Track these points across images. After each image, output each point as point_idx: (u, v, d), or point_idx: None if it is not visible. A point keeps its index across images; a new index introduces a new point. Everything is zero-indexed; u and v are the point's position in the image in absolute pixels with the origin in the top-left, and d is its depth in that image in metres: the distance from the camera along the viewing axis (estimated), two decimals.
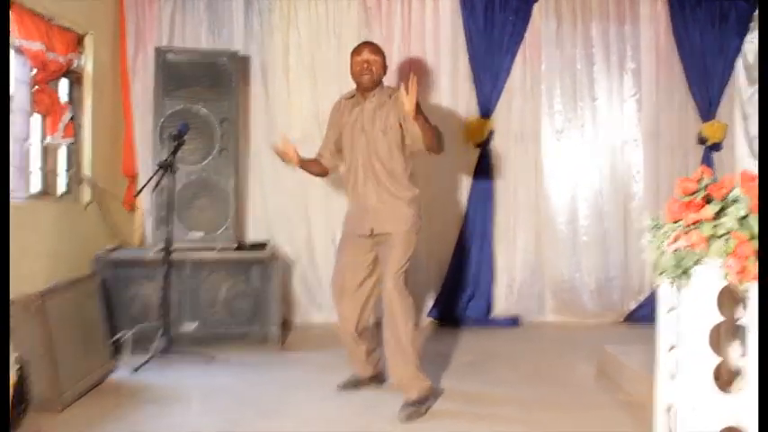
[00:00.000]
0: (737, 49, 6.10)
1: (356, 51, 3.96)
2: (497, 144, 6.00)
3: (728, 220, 2.60)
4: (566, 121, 6.08)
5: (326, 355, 4.80)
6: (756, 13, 6.10)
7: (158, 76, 4.98)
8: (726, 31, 6.06)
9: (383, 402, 3.82)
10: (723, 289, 2.70)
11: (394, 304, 3.76)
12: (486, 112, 5.90)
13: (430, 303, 6.01)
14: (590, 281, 6.12)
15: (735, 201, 2.63)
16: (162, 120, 4.95)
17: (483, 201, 5.96)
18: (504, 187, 6.06)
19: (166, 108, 4.97)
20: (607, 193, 6.11)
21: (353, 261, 3.96)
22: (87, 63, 5.12)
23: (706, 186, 2.66)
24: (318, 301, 5.90)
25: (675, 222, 2.70)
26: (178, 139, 4.61)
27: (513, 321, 5.99)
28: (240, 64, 5.40)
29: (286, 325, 5.80)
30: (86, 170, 5.15)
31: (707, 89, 6.08)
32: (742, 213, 2.58)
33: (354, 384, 4.13)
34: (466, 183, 5.99)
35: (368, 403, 3.88)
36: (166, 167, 4.52)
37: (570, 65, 6.06)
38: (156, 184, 4.49)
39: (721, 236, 2.61)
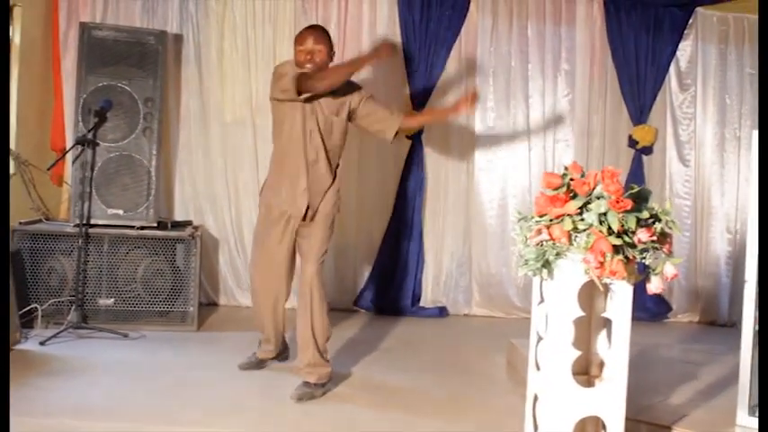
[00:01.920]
0: (671, 56, 6.20)
1: (299, 40, 3.89)
2: (429, 137, 6.04)
3: (590, 216, 2.67)
4: (498, 117, 6.13)
5: (242, 337, 4.83)
6: (691, 21, 6.23)
7: (82, 51, 4.97)
8: (659, 37, 6.14)
9: (284, 384, 3.85)
10: (591, 282, 2.78)
11: (314, 291, 3.80)
12: (418, 105, 5.93)
13: (357, 292, 6.07)
14: (517, 276, 6.18)
15: (599, 197, 2.70)
16: (84, 96, 4.95)
17: (413, 192, 6.00)
18: (435, 180, 6.10)
19: (89, 84, 4.96)
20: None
21: (279, 248, 3.92)
22: (15, 35, 5.10)
23: (570, 181, 2.72)
24: (245, 283, 5.91)
25: (542, 216, 2.76)
26: (99, 116, 4.63)
27: (440, 312, 6.07)
28: (170, 44, 5.42)
29: (213, 306, 5.85)
30: (11, 143, 5.13)
31: (639, 93, 6.16)
32: (602, 209, 2.65)
33: (257, 365, 4.19)
34: (396, 174, 6.03)
35: (268, 384, 3.96)
36: (84, 143, 4.53)
37: (505, 62, 6.11)
38: (74, 160, 4.50)
39: (583, 231, 2.68)
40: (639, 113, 6.17)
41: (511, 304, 6.19)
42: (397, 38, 5.93)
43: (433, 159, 6.09)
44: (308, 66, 3.83)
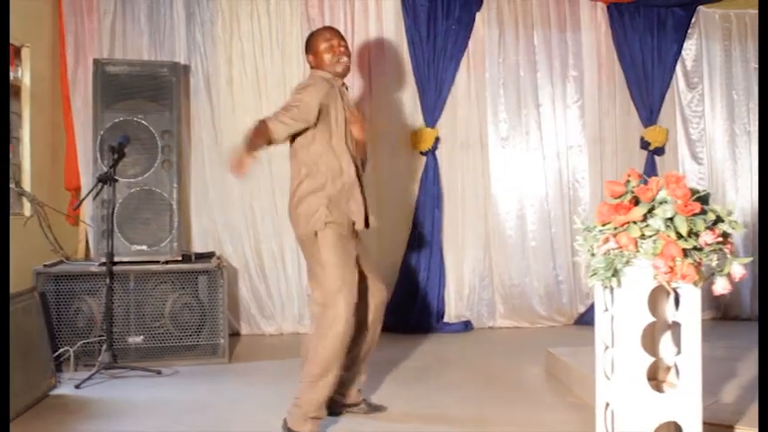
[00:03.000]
0: (676, 55, 6.25)
1: (323, 38, 3.60)
2: (443, 152, 6.04)
3: (656, 221, 2.64)
4: (510, 128, 6.15)
5: (276, 366, 4.79)
6: (694, 20, 6.28)
7: (97, 88, 4.92)
8: (664, 37, 6.21)
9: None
10: (658, 288, 2.75)
11: (383, 313, 3.75)
12: (431, 120, 5.93)
13: None
14: (539, 285, 6.19)
15: (662, 202, 2.68)
16: (102, 132, 4.89)
17: (431, 208, 5.98)
18: (452, 194, 6.09)
19: (106, 121, 4.91)
20: (553, 199, 6.19)
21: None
22: (25, 76, 5.04)
23: (633, 188, 2.70)
24: (268, 311, 5.87)
25: (605, 225, 2.74)
26: (118, 152, 4.56)
27: (465, 326, 6.04)
28: (182, 75, 5.37)
29: (235, 336, 5.78)
30: (26, 185, 5.05)
31: (647, 94, 6.21)
32: (669, 214, 2.63)
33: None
34: (413, 190, 6.01)
35: None
36: (106, 180, 4.46)
37: (514, 72, 6.13)
38: (95, 197, 4.43)
39: (649, 237, 2.66)
40: (649, 114, 6.22)
41: (535, 314, 6.18)
42: (405, 55, 5.93)
43: (447, 173, 6.08)
44: (345, 58, 3.58)
